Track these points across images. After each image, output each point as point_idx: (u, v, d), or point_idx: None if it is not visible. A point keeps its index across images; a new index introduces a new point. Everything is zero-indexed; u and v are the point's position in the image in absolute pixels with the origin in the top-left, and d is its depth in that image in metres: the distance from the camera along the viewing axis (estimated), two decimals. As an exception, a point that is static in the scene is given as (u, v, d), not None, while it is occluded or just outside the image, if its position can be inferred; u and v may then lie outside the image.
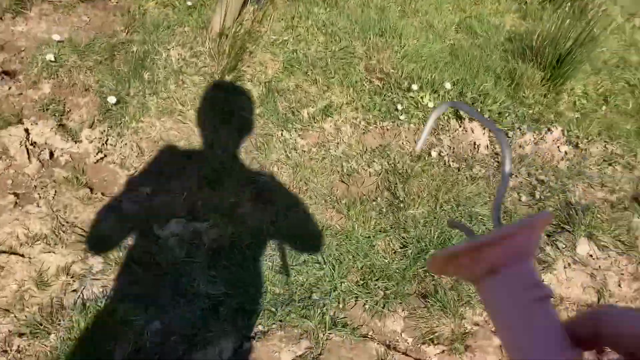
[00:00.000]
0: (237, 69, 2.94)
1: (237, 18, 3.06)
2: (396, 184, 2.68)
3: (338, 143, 2.81)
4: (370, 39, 3.43)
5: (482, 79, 3.28)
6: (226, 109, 2.80)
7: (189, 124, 2.72)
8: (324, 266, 2.27)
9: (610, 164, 3.16)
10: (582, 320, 0.36)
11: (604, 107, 3.51)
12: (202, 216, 2.39)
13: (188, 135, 2.68)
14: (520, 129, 3.08)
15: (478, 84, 3.15)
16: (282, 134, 2.78)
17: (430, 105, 2.95)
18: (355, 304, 2.17)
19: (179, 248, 2.26)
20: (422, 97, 2.99)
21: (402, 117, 2.91)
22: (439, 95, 3.02)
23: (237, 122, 2.77)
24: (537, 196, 2.83)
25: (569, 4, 4.21)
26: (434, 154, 2.85)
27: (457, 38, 3.84)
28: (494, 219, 0.42)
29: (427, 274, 2.32)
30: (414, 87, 2.99)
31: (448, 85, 3.00)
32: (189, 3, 3.35)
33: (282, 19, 3.41)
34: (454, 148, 2.93)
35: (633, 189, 3.04)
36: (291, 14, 3.46)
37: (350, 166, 2.72)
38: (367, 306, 2.16)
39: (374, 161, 2.76)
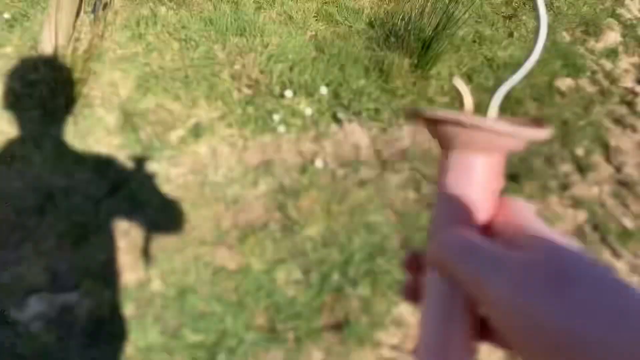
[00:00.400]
0: (82, 95, 2.51)
1: (72, 33, 2.60)
2: (286, 202, 2.48)
3: (216, 167, 2.53)
4: (229, 40, 3.14)
5: (353, 74, 3.16)
6: (78, 147, 2.39)
7: (35, 170, 2.28)
8: (225, 317, 2.02)
9: (484, 145, 3.23)
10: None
11: (469, 87, 3.57)
12: (69, 285, 2.02)
13: (35, 185, 2.24)
14: (398, 124, 3.02)
15: (352, 82, 3.01)
16: (149, 166, 2.44)
17: (308, 112, 2.76)
18: (267, 355, 1.97)
19: (47, 331, 1.88)
20: (298, 104, 2.79)
21: (280, 129, 2.69)
22: (314, 98, 2.85)
23: (94, 160, 2.37)
24: (424, 191, 2.80)
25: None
26: (318, 163, 2.68)
27: (318, 28, 3.68)
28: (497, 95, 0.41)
29: (336, 302, 2.17)
30: (288, 93, 2.78)
31: (324, 90, 2.82)
32: (6, 16, 2.81)
33: (126, 26, 3.00)
34: (337, 153, 2.79)
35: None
36: (135, 20, 3.05)
37: (234, 191, 2.47)
38: (279, 357, 1.96)
39: (258, 181, 2.53)
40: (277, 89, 2.87)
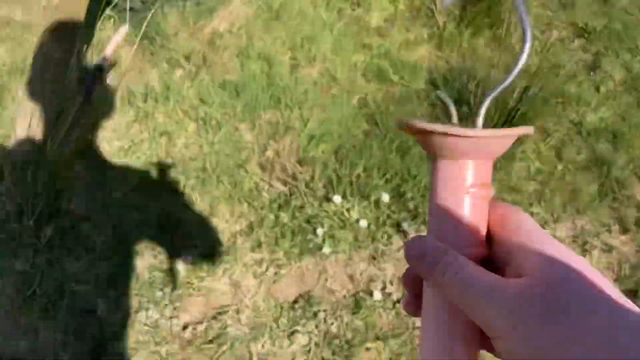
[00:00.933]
0: (61, 211, 1.86)
1: (56, 126, 1.95)
2: (334, 362, 1.78)
3: (238, 310, 1.84)
4: (260, 116, 2.48)
5: (417, 159, 2.44)
6: (48, 291, 1.73)
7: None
8: None
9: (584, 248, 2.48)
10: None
11: (559, 167, 2.83)
12: None
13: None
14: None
15: (417, 173, 2.30)
16: (147, 314, 1.76)
17: (363, 224, 2.05)
18: None
19: None
20: (348, 210, 2.09)
21: (325, 249, 1.99)
22: (370, 202, 2.14)
23: (70, 312, 1.71)
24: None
25: (488, 29, 3.52)
26: (376, 294, 1.97)
27: (368, 90, 2.99)
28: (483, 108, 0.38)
29: None
30: (336, 198, 2.08)
31: (386, 198, 2.11)
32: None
33: (129, 103, 2.35)
34: (400, 277, 2.07)
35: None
36: (142, 92, 2.41)
37: (263, 346, 1.77)
38: None
39: (296, 329, 1.83)
40: (320, 188, 2.18)
